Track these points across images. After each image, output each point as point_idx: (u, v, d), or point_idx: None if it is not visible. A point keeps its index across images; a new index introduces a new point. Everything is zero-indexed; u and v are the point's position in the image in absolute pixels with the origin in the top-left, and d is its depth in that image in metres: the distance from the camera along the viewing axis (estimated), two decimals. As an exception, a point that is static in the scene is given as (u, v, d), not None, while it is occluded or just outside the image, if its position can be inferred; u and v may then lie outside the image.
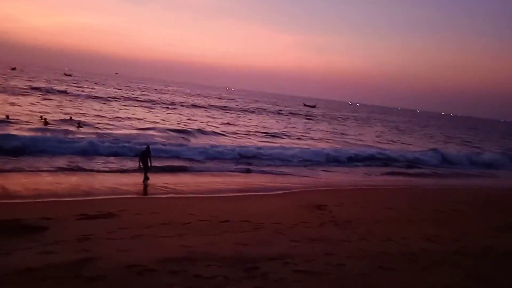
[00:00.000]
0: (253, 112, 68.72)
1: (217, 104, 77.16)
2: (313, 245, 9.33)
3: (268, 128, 44.66)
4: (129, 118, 37.41)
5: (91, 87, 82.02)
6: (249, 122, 49.78)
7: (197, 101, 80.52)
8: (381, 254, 8.98)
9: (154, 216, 10.88)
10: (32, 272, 7.01)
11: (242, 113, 61.75)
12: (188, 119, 44.47)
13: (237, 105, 78.80)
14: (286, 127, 48.66)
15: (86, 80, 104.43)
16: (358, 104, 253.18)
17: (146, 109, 49.46)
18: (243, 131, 38.56)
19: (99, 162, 18.48)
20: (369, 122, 79.35)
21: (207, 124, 39.97)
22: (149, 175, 15.78)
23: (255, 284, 7.04)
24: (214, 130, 35.68)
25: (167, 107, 56.55)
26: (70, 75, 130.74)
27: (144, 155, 15.83)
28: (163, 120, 39.99)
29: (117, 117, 37.37)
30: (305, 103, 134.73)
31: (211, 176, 18.72)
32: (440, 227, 11.83)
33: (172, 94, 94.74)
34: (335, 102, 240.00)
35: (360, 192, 17.15)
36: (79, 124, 27.89)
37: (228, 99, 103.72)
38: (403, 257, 8.90)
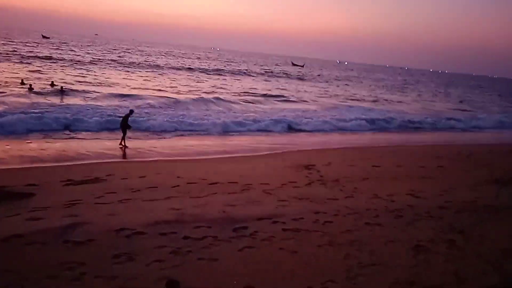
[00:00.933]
0: (244, 73, 65.14)
1: (209, 66, 71.93)
2: (301, 204, 9.40)
3: (270, 90, 42.36)
4: (113, 84, 35.03)
5: (78, 49, 79.12)
6: (247, 84, 46.69)
7: (191, 63, 75.85)
8: (367, 211, 9.11)
9: (141, 180, 10.83)
10: (19, 238, 7.00)
11: (230, 76, 58.29)
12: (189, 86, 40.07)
13: (226, 67, 73.84)
14: (285, 89, 46.25)
15: (65, 43, 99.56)
16: (346, 63, 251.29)
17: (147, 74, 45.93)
18: (251, 96, 36.33)
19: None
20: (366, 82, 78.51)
21: (215, 90, 36.91)
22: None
23: (244, 244, 7.15)
24: (223, 98, 32.02)
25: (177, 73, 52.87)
26: (48, 38, 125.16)
27: (125, 119, 15.66)
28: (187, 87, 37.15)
29: (111, 83, 35.17)
30: (294, 62, 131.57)
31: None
32: (425, 183, 11.96)
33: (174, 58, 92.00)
34: (322, 61, 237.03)
35: (349, 152, 17.10)
36: (62, 89, 27.06)
37: (214, 60, 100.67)
38: (389, 213, 9.05)
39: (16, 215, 7.93)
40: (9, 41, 78.67)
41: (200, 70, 61.14)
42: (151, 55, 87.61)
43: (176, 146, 16.65)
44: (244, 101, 32.61)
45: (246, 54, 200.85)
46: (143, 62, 64.28)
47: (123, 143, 15.52)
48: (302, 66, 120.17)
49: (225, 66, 76.85)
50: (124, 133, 15.69)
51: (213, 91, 36.19)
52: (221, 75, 57.94)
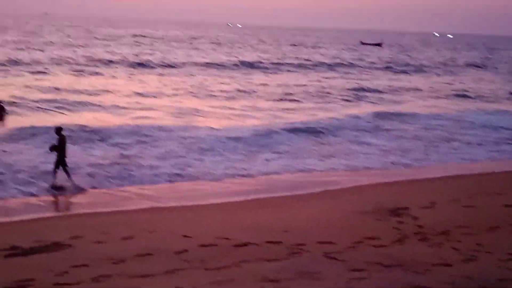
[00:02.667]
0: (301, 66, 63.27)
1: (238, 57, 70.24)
2: (388, 274, 8.59)
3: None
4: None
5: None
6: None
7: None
8: (501, 283, 8.09)
9: (126, 244, 10.27)
10: None
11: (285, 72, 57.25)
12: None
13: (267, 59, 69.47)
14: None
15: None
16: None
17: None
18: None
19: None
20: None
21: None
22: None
23: None
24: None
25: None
26: None
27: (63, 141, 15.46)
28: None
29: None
30: (364, 41, 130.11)
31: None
32: None
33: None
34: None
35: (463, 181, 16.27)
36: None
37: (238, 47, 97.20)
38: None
39: None
40: None
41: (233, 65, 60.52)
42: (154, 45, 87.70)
43: (177, 186, 16.36)
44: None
45: (276, 31, 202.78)
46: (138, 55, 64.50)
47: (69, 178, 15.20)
48: (380, 45, 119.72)
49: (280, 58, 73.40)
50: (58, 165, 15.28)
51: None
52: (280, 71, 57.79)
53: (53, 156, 15.53)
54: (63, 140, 15.61)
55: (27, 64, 50.28)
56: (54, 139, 15.81)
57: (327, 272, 8.80)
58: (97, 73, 48.02)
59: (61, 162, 15.32)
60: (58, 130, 15.92)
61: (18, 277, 8.63)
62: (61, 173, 15.40)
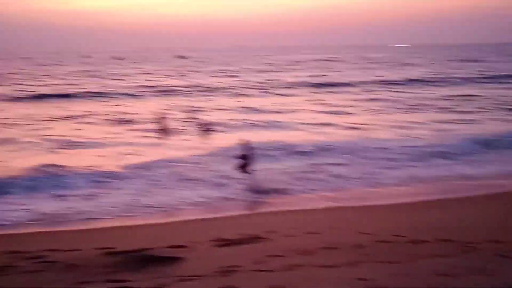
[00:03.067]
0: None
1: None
2: None
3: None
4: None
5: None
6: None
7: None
8: None
9: (313, 238, 11.03)
10: None
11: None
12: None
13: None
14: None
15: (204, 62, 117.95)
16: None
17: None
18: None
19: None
20: None
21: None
22: None
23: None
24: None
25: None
26: (184, 57, 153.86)
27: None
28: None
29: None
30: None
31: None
32: None
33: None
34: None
35: None
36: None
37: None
38: None
39: (163, 286, 8.55)
40: (143, 71, 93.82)
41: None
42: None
43: (357, 190, 17.17)
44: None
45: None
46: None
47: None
48: None
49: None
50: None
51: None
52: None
53: (242, 164, 17.87)
54: (250, 152, 17.33)
55: (227, 88, 57.17)
56: (244, 150, 18.02)
57: (498, 269, 8.83)
58: (282, 95, 52.45)
59: (246, 169, 17.08)
60: (245, 143, 17.72)
61: (226, 263, 9.61)
62: (254, 177, 17.39)
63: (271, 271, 9.29)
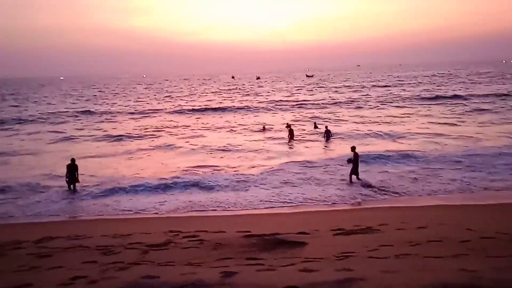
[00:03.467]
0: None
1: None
2: None
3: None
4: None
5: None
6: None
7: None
8: None
9: (420, 232, 10.63)
10: None
11: None
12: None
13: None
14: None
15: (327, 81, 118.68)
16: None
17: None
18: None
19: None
20: None
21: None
22: None
23: None
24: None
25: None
26: (311, 76, 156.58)
27: None
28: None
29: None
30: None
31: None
32: None
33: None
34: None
35: None
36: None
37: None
38: None
39: (290, 265, 8.66)
40: (278, 88, 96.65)
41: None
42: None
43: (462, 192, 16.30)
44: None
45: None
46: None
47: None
48: None
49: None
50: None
51: None
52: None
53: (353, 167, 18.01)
54: (357, 156, 17.46)
55: (348, 102, 56.90)
56: (353, 156, 18.25)
57: None
58: (399, 107, 50.90)
59: (355, 171, 17.25)
60: (353, 148, 17.90)
61: (343, 250, 9.55)
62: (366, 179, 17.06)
63: (383, 258, 9.08)
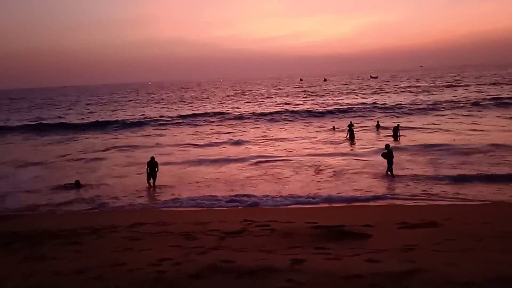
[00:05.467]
0: None
1: None
2: None
3: None
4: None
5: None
6: None
7: None
8: None
9: (484, 227, 10.31)
10: (360, 279, 7.46)
11: None
12: None
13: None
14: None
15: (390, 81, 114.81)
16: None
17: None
18: None
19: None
20: None
21: None
22: None
23: None
24: None
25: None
26: (375, 77, 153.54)
27: None
28: None
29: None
30: None
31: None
32: None
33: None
34: None
35: None
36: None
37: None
38: None
39: (355, 255, 8.74)
40: (346, 90, 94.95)
41: None
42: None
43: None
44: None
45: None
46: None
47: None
48: None
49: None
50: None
51: None
52: None
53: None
54: (391, 151, 17.02)
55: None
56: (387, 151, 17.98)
57: None
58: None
59: (389, 167, 16.81)
60: (387, 146, 17.45)
61: (407, 242, 9.50)
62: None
63: (447, 251, 8.89)
